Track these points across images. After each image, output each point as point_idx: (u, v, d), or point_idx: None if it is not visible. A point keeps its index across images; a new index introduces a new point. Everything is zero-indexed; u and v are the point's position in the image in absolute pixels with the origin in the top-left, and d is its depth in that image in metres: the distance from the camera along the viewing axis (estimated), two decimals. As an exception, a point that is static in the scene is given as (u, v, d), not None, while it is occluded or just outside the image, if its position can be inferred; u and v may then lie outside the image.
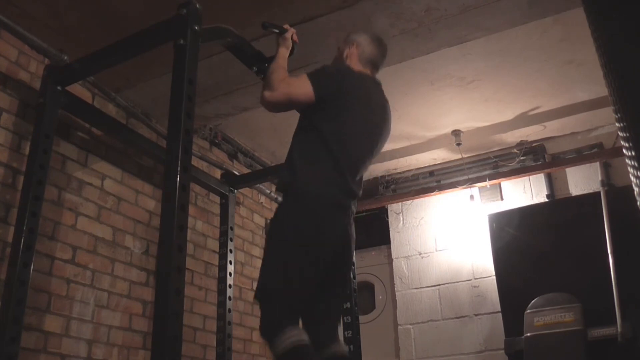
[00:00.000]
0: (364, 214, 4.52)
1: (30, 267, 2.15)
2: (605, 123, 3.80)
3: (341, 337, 2.69)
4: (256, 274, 3.80)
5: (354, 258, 2.86)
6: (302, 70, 2.77)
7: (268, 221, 3.96)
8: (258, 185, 3.94)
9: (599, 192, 3.62)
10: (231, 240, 3.31)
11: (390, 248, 4.44)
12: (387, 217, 4.51)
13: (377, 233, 4.53)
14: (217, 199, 3.49)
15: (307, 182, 1.84)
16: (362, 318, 3.23)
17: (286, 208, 1.88)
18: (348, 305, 2.77)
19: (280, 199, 2.31)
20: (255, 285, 3.46)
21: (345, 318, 2.74)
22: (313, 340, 1.73)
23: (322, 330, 1.88)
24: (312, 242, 1.80)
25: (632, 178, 1.08)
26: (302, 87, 1.90)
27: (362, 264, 4.39)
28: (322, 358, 1.80)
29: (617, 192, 3.60)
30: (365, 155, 2.00)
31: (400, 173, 4.47)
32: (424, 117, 3.67)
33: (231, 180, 3.48)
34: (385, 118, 2.09)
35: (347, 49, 2.15)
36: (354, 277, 2.85)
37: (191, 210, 3.26)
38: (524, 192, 4.06)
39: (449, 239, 4.22)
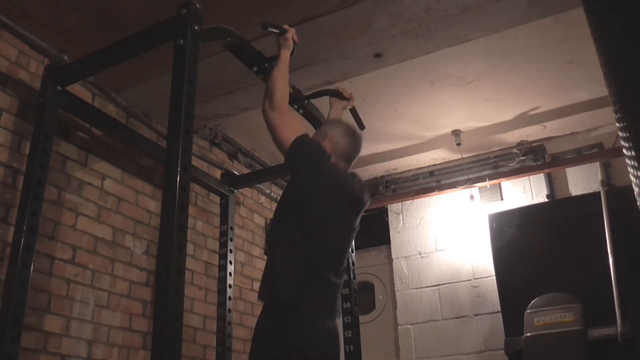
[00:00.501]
0: (364, 214, 4.50)
1: (30, 267, 2.15)
2: (605, 123, 3.79)
3: (341, 338, 2.69)
4: (256, 274, 3.82)
5: (354, 257, 2.87)
6: (302, 70, 2.81)
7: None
8: (258, 185, 3.94)
9: (599, 192, 3.62)
10: (231, 240, 3.31)
11: (390, 248, 4.44)
12: (387, 217, 4.51)
13: (377, 233, 4.53)
14: (217, 199, 3.49)
15: (295, 292, 1.76)
16: (362, 318, 3.23)
17: (275, 329, 1.75)
18: (348, 305, 2.77)
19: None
20: (255, 285, 3.47)
21: (345, 318, 2.74)
22: None
23: None
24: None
25: (632, 178, 1.08)
26: (288, 134, 1.87)
27: (362, 264, 4.39)
28: None
29: (617, 192, 3.60)
30: (344, 249, 1.95)
31: (400, 173, 4.46)
32: (424, 117, 3.67)
33: (231, 180, 3.48)
34: (359, 211, 2.03)
35: (321, 141, 2.02)
36: (354, 277, 2.85)
37: (191, 210, 3.26)
38: (524, 192, 4.06)
39: (449, 239, 4.22)
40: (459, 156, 4.13)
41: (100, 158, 2.83)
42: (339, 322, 1.91)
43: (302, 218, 1.84)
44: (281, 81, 2.01)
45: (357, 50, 2.77)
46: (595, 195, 3.63)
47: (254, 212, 3.96)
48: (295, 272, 1.78)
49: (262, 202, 4.08)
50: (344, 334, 2.71)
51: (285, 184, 2.28)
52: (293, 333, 1.72)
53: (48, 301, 2.41)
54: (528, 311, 3.41)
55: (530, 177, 4.03)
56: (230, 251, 3.28)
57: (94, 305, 2.62)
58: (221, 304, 3.17)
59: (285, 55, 2.13)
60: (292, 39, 2.18)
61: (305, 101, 2.66)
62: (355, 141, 2.07)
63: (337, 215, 1.91)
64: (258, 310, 1.82)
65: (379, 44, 2.72)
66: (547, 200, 3.93)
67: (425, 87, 3.30)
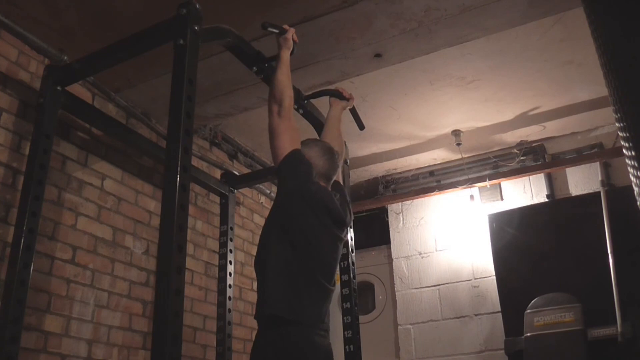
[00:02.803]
0: (364, 214, 4.52)
1: (30, 267, 2.15)
2: (605, 123, 3.80)
3: (341, 338, 2.69)
4: (256, 274, 3.81)
5: (354, 257, 2.87)
6: (302, 70, 2.81)
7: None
8: (258, 185, 3.94)
9: (599, 192, 3.62)
10: (231, 240, 3.31)
11: (390, 248, 4.44)
12: (387, 217, 4.51)
13: (377, 233, 4.53)
14: (217, 199, 3.49)
15: (283, 305, 1.78)
16: (362, 318, 3.23)
17: (262, 340, 1.79)
18: (348, 305, 2.77)
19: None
20: (255, 285, 3.47)
21: (345, 318, 2.74)
22: None
23: None
24: None
25: (632, 178, 1.08)
26: (287, 145, 1.91)
27: (362, 264, 4.39)
28: None
29: (617, 192, 3.60)
30: (335, 261, 1.98)
31: (400, 173, 4.46)
32: (424, 117, 3.67)
33: (231, 180, 3.48)
34: (344, 226, 2.04)
35: None
36: (354, 277, 2.84)
37: (191, 210, 3.26)
38: (524, 192, 4.06)
39: (449, 239, 4.22)
40: (459, 156, 4.13)
41: (100, 158, 2.83)
42: (328, 337, 1.91)
43: (291, 232, 1.87)
44: (288, 86, 2.02)
45: (357, 50, 2.77)
46: (595, 195, 3.64)
47: (254, 212, 3.97)
48: (286, 287, 1.80)
49: (262, 202, 4.08)
50: (344, 334, 2.71)
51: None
52: (288, 347, 1.73)
53: (48, 301, 2.41)
54: (528, 311, 3.41)
55: (530, 177, 4.03)
56: (230, 251, 3.28)
57: (94, 305, 2.62)
58: (221, 304, 3.17)
59: (286, 55, 2.13)
60: (292, 39, 2.18)
61: (305, 101, 2.66)
62: (332, 160, 2.08)
63: (324, 229, 1.93)
64: (258, 310, 1.82)
65: (379, 44, 2.72)
66: (547, 200, 3.93)
67: (425, 87, 3.30)
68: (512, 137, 3.98)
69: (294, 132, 1.97)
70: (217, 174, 3.54)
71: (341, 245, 2.05)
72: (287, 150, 1.90)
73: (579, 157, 3.88)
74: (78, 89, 2.69)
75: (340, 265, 2.77)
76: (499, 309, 3.74)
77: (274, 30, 2.17)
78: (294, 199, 1.89)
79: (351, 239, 2.84)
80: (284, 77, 2.05)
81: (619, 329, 3.15)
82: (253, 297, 3.67)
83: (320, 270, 1.89)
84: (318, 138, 2.40)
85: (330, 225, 1.96)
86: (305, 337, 1.77)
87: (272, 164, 4.00)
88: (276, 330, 1.76)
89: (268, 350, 1.75)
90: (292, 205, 1.89)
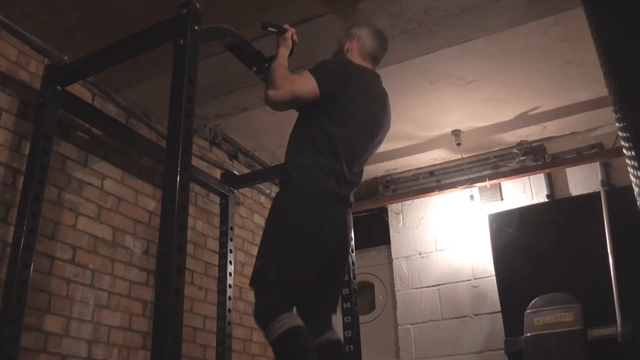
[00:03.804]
0: (364, 214, 4.52)
1: (30, 267, 2.15)
2: (605, 123, 3.80)
3: (341, 337, 2.69)
4: (256, 274, 3.80)
5: (354, 257, 2.87)
6: (301, 70, 2.80)
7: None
8: (258, 185, 3.94)
9: (599, 192, 3.62)
10: (231, 240, 3.31)
11: (390, 248, 4.44)
12: (387, 217, 4.51)
13: (377, 233, 4.53)
14: (217, 199, 3.49)
15: (303, 171, 1.85)
16: (362, 318, 3.23)
17: (283, 197, 1.89)
18: (348, 305, 2.77)
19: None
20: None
21: (345, 318, 2.74)
22: (308, 329, 1.74)
23: (317, 319, 1.89)
24: (309, 229, 1.81)
25: (632, 178, 1.08)
26: (306, 83, 1.91)
27: (362, 264, 4.39)
28: (316, 345, 1.80)
29: (617, 192, 3.60)
30: (365, 146, 2.01)
31: (400, 173, 4.46)
32: (424, 117, 3.67)
33: (231, 180, 3.48)
34: (385, 110, 2.11)
35: (347, 42, 2.17)
36: (354, 277, 2.85)
37: (191, 210, 3.26)
38: (524, 192, 4.06)
39: (449, 239, 4.22)
40: (459, 156, 4.13)
41: (100, 158, 2.83)
42: (350, 220, 2.00)
43: (328, 109, 1.91)
44: (279, 70, 2.01)
45: (357, 50, 2.76)
46: (595, 195, 3.63)
47: (254, 212, 3.97)
48: (312, 159, 1.87)
49: (262, 202, 4.08)
50: (344, 334, 2.71)
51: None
52: (306, 204, 1.82)
53: (48, 301, 2.41)
54: (528, 311, 3.41)
55: (530, 177, 4.03)
56: (230, 251, 3.28)
57: (94, 305, 2.62)
58: (221, 304, 3.17)
59: (284, 52, 2.13)
60: (292, 39, 2.18)
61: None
62: (382, 42, 2.18)
63: (361, 111, 1.97)
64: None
65: (379, 44, 2.72)
66: (547, 200, 3.93)
67: (425, 87, 3.30)
68: (512, 137, 3.98)
69: (293, 76, 1.96)
70: (217, 174, 3.54)
71: (374, 139, 2.07)
72: (301, 86, 1.91)
73: (579, 157, 3.87)
74: (78, 89, 2.69)
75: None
76: (499, 309, 3.73)
77: (274, 30, 2.17)
78: (337, 79, 1.94)
79: (351, 239, 2.85)
80: (277, 65, 2.04)
81: (619, 329, 3.15)
82: (253, 297, 3.68)
83: (347, 153, 1.91)
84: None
85: (370, 108, 2.01)
86: (322, 199, 1.85)
87: (272, 164, 4.02)
88: (292, 187, 1.86)
89: (286, 198, 1.87)
90: (334, 86, 1.92)
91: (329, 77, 1.94)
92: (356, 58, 2.11)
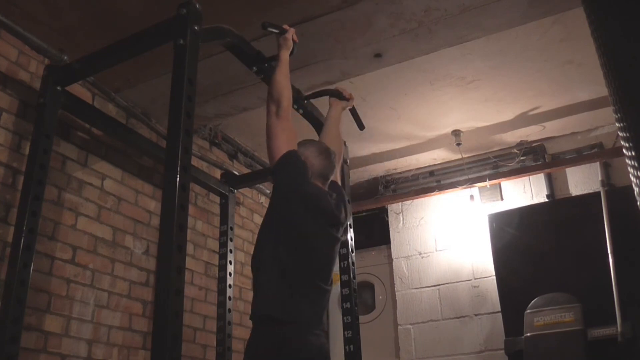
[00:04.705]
0: (364, 214, 4.52)
1: (30, 267, 2.15)
2: (605, 123, 3.79)
3: (341, 338, 2.69)
4: (256, 274, 3.81)
5: (354, 257, 2.86)
6: (302, 70, 2.81)
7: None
8: (258, 185, 3.94)
9: (599, 192, 3.62)
10: (231, 240, 3.31)
11: (390, 248, 4.44)
12: (387, 217, 4.51)
13: (377, 233, 4.53)
14: (217, 199, 3.49)
15: (276, 304, 1.78)
16: (362, 318, 3.23)
17: (255, 339, 1.80)
18: (348, 305, 2.77)
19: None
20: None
21: (345, 318, 2.73)
22: None
23: None
24: None
25: (632, 178, 1.08)
26: (283, 146, 1.90)
27: (362, 264, 4.39)
28: None
29: (617, 192, 3.60)
30: (332, 256, 1.99)
31: (400, 173, 4.46)
32: (424, 117, 3.67)
33: (231, 180, 3.48)
34: (341, 211, 2.05)
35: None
36: (354, 277, 2.84)
37: (191, 210, 3.26)
38: (524, 192, 4.06)
39: (449, 239, 4.22)
40: (459, 156, 4.13)
41: (100, 158, 2.83)
42: (325, 337, 1.92)
43: (287, 233, 1.87)
44: (286, 87, 2.02)
45: (357, 50, 2.77)
46: (595, 195, 3.64)
47: (254, 212, 3.97)
48: (281, 288, 1.80)
49: (262, 202, 4.08)
50: (344, 334, 2.71)
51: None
52: (280, 346, 1.73)
53: (48, 301, 2.41)
54: (528, 311, 3.41)
55: (530, 177, 4.03)
56: (230, 251, 3.28)
57: (94, 305, 2.62)
58: (221, 304, 3.17)
59: (285, 55, 2.13)
60: (292, 39, 2.18)
61: (305, 101, 2.66)
62: (328, 159, 2.07)
63: (319, 229, 1.93)
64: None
65: (379, 44, 2.72)
66: (547, 200, 3.93)
67: (425, 87, 3.30)
68: (512, 137, 3.98)
69: (290, 134, 1.96)
70: (217, 174, 3.54)
71: (337, 245, 2.04)
72: (283, 151, 1.90)
73: (579, 157, 3.87)
74: (78, 89, 2.69)
75: (340, 265, 2.76)
76: (499, 309, 3.73)
77: (274, 30, 2.17)
78: (289, 200, 1.89)
79: (351, 239, 2.84)
80: (282, 77, 2.04)
81: (619, 329, 3.15)
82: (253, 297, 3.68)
83: (316, 271, 1.89)
84: (316, 139, 2.40)
85: (325, 226, 1.96)
86: (299, 335, 1.77)
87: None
88: (270, 328, 1.77)
89: (260, 347, 1.76)
90: (287, 206, 1.89)
91: (296, 170, 1.91)
92: None
